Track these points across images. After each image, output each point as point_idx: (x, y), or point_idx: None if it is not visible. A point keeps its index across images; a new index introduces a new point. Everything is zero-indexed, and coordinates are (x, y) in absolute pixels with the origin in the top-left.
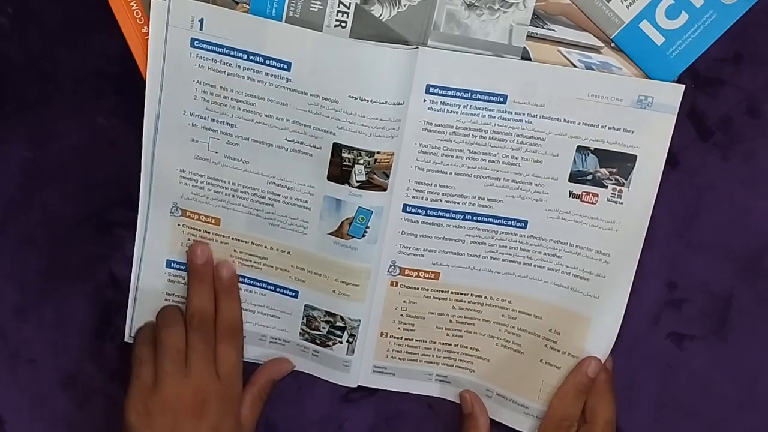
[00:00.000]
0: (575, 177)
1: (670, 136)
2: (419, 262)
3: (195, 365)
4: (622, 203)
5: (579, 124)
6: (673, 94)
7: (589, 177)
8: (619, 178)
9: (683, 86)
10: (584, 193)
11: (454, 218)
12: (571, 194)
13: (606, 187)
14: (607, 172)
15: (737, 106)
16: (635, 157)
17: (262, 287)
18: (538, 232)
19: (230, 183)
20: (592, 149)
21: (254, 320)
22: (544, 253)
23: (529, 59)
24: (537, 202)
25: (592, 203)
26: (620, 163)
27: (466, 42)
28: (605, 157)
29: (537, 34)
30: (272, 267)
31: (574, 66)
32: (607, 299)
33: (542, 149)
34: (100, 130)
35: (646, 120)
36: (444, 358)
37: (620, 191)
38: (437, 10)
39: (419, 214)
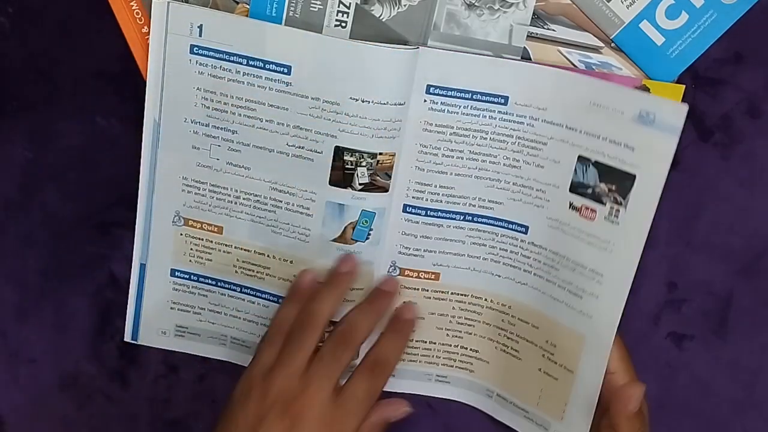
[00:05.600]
0: (576, 188)
1: (671, 158)
2: (419, 263)
3: (314, 376)
4: (618, 224)
5: (580, 132)
6: (675, 113)
7: (589, 190)
8: (617, 196)
9: (686, 107)
10: (583, 207)
11: (454, 219)
12: (571, 206)
13: (605, 204)
14: (606, 188)
15: (737, 106)
16: (634, 176)
17: (264, 298)
18: (538, 240)
19: (232, 190)
20: (593, 161)
21: (257, 332)
22: (543, 263)
23: (529, 59)
24: (538, 208)
25: (590, 219)
26: (619, 181)
27: (466, 42)
28: (605, 171)
29: (537, 34)
30: (275, 277)
31: (575, 66)
32: (600, 319)
33: (544, 154)
34: (100, 130)
35: (647, 139)
36: (444, 358)
37: (617, 211)
38: (437, 10)
39: (419, 214)
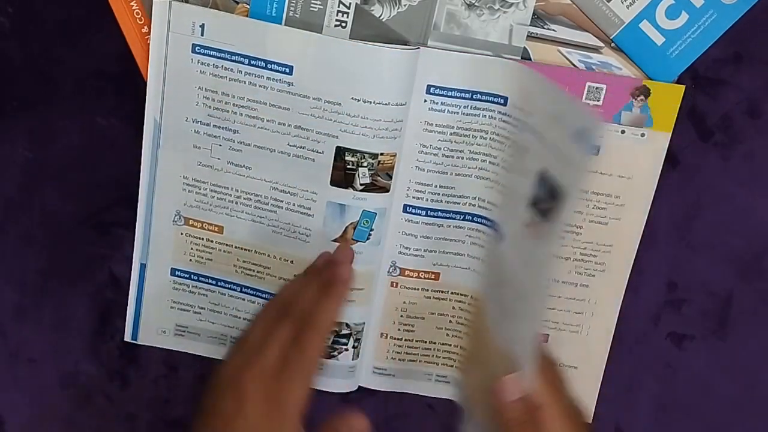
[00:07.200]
0: (533, 202)
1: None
2: (419, 263)
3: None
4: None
5: (547, 143)
6: (596, 130)
7: (540, 205)
8: (550, 214)
9: (603, 125)
10: (533, 223)
11: (454, 219)
12: (529, 221)
13: (547, 221)
14: (546, 205)
15: (737, 106)
16: (566, 194)
17: (265, 298)
18: None
19: (233, 190)
20: (546, 174)
21: None
22: None
23: (529, 59)
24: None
25: (535, 237)
26: (556, 199)
27: (466, 42)
28: (550, 187)
29: (537, 34)
30: (275, 277)
31: (575, 66)
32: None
33: (526, 162)
34: (100, 130)
35: (578, 157)
36: (443, 358)
37: (548, 229)
38: (437, 10)
39: (420, 214)
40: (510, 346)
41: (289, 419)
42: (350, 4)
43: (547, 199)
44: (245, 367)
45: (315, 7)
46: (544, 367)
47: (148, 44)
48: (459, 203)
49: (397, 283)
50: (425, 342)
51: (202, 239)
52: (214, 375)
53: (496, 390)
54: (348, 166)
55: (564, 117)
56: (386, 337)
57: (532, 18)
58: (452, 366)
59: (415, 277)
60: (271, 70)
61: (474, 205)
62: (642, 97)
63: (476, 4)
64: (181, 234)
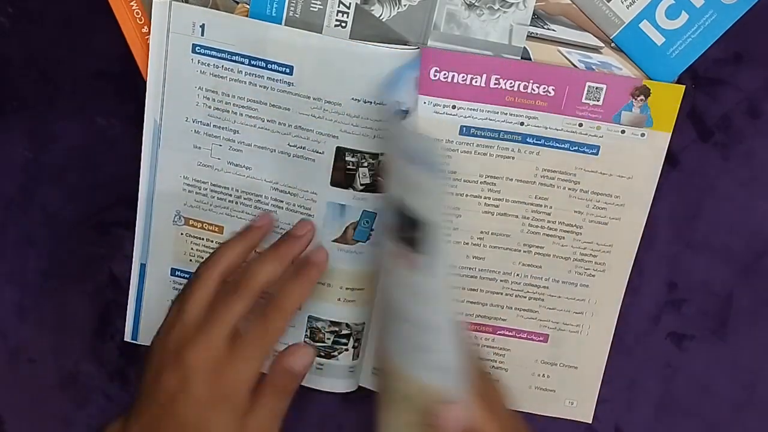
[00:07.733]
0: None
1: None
2: None
3: (206, 325)
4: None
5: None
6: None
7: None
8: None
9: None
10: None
11: None
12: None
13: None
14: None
15: (737, 106)
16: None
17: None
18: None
19: (233, 190)
20: None
21: None
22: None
23: (529, 59)
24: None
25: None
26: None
27: (466, 42)
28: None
29: (537, 34)
30: None
31: (575, 66)
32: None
33: None
34: (100, 130)
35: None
36: None
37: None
38: (437, 10)
39: None
40: (432, 378)
41: (237, 397)
42: (350, 4)
43: (407, 228)
44: (189, 343)
45: (315, 7)
46: (479, 387)
47: (148, 44)
48: None
49: None
50: None
51: (202, 239)
52: (153, 349)
53: (437, 424)
54: (348, 167)
55: (397, 139)
56: None
57: (532, 18)
58: None
59: None
60: (271, 70)
61: None
62: (642, 97)
63: (476, 4)
64: (181, 234)
